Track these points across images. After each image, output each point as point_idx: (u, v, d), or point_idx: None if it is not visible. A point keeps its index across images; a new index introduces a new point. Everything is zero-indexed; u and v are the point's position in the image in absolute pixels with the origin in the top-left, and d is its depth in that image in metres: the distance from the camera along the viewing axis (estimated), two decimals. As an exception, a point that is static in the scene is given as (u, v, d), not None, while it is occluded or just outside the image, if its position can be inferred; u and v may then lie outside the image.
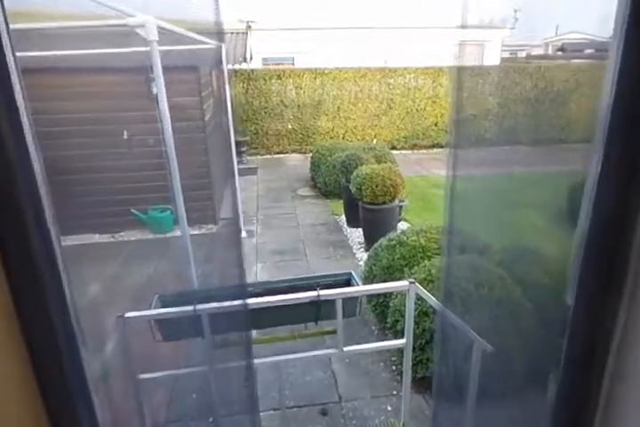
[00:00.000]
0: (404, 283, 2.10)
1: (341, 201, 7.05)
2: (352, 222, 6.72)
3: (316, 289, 2.13)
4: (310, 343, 2.65)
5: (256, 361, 2.22)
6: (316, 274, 2.53)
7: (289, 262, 5.74)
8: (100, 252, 6.56)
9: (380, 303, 3.83)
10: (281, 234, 6.81)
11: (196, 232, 7.19)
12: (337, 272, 2.40)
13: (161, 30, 3.96)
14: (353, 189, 5.67)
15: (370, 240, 5.87)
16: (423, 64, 11.93)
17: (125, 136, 6.66)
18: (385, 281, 3.81)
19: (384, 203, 5.45)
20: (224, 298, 2.39)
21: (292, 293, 2.39)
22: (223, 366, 2.28)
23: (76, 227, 6.99)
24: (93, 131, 6.48)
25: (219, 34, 8.15)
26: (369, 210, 5.57)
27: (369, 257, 4.13)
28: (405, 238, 3.86)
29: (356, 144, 10.20)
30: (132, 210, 6.90)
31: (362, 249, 5.97)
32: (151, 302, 2.37)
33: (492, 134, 12.40)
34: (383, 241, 4.05)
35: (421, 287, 2.08)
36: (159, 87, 2.66)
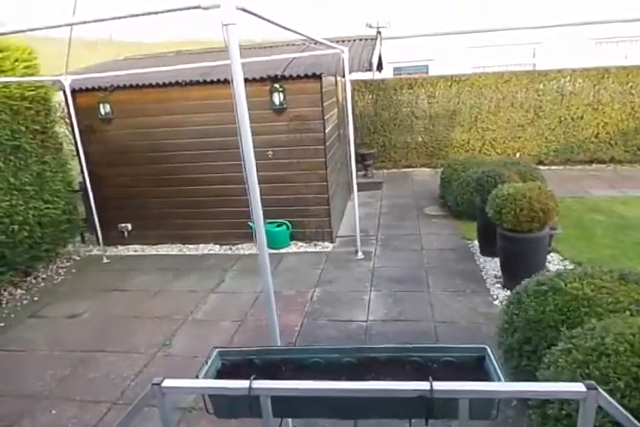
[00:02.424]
0: (576, 386, 1.26)
1: (475, 224, 6.04)
2: (486, 250, 5.69)
3: (427, 375, 1.39)
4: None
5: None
6: (431, 344, 1.78)
7: (408, 294, 4.96)
8: (216, 263, 6.47)
9: (527, 366, 2.88)
10: (402, 258, 6.05)
11: (310, 250, 6.79)
12: (463, 345, 1.62)
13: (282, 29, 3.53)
14: (490, 212, 4.71)
15: (509, 274, 4.83)
16: (581, 65, 10.26)
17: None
18: (530, 340, 2.86)
19: (530, 231, 4.39)
20: (302, 366, 1.76)
21: (395, 367, 1.68)
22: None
23: (198, 236, 7.08)
24: (218, 143, 6.44)
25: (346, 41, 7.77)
26: (509, 238, 4.55)
27: (509, 303, 3.19)
28: (562, 284, 2.86)
29: (496, 158, 9.01)
30: (249, 223, 6.74)
31: (498, 284, 4.94)
32: (210, 355, 1.84)
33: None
34: (530, 284, 3.09)
35: (610, 398, 1.22)
36: (237, 90, 2.18)
